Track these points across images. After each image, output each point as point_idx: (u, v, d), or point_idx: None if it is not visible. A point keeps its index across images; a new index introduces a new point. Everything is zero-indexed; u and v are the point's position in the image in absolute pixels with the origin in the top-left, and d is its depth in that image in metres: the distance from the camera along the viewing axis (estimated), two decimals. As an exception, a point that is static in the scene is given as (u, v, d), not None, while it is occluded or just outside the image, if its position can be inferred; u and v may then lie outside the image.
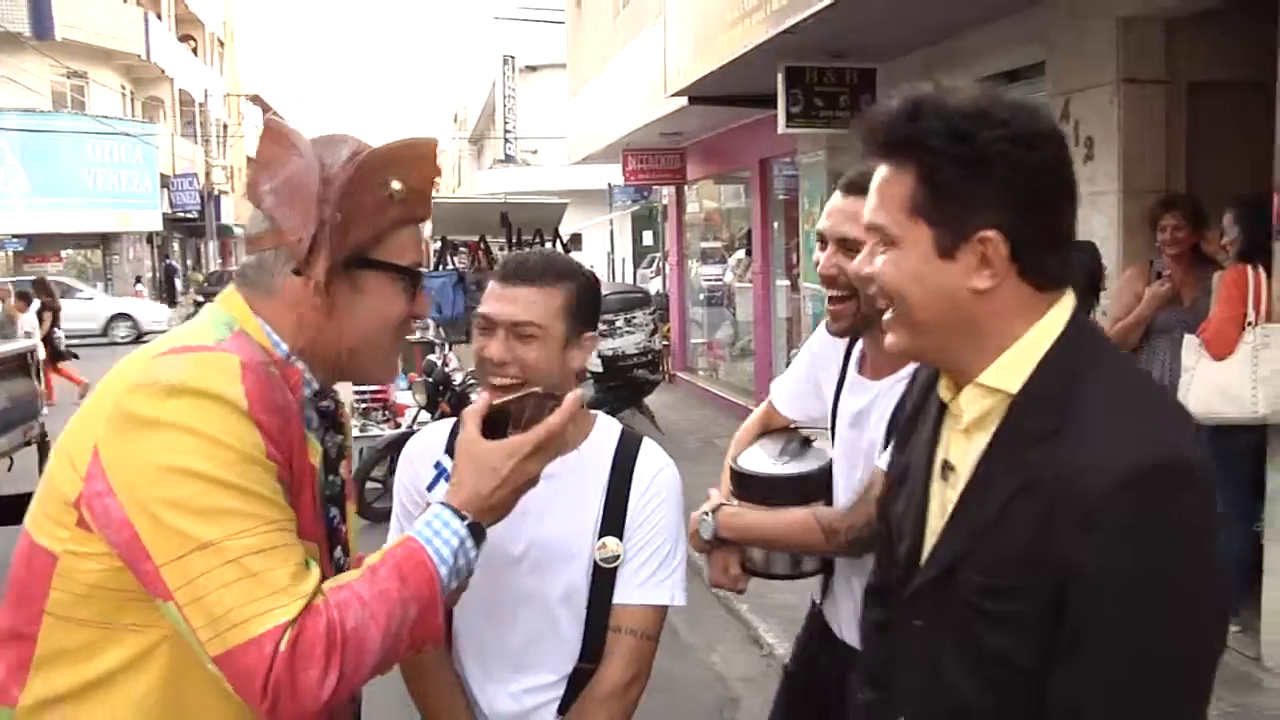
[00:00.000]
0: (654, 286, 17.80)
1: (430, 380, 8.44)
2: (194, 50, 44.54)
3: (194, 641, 1.39)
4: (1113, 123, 5.89)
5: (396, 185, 1.59)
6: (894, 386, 2.32)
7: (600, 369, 8.88)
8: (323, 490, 1.66)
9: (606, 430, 2.18)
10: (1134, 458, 1.30)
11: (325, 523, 1.66)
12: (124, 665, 1.46)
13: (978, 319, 1.43)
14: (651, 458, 2.18)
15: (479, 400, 1.72)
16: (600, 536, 2.09)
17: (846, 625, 2.45)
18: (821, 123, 8.33)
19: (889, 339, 1.52)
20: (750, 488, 2.49)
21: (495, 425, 1.68)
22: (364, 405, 9.14)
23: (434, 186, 1.69)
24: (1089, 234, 5.75)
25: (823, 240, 2.35)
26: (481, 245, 13.52)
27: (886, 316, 1.50)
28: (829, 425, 2.55)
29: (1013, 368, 1.43)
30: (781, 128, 8.40)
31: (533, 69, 34.66)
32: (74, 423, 1.51)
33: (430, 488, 2.11)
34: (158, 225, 36.67)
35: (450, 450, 2.10)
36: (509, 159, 34.81)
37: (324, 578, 1.48)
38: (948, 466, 1.53)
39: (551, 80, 30.62)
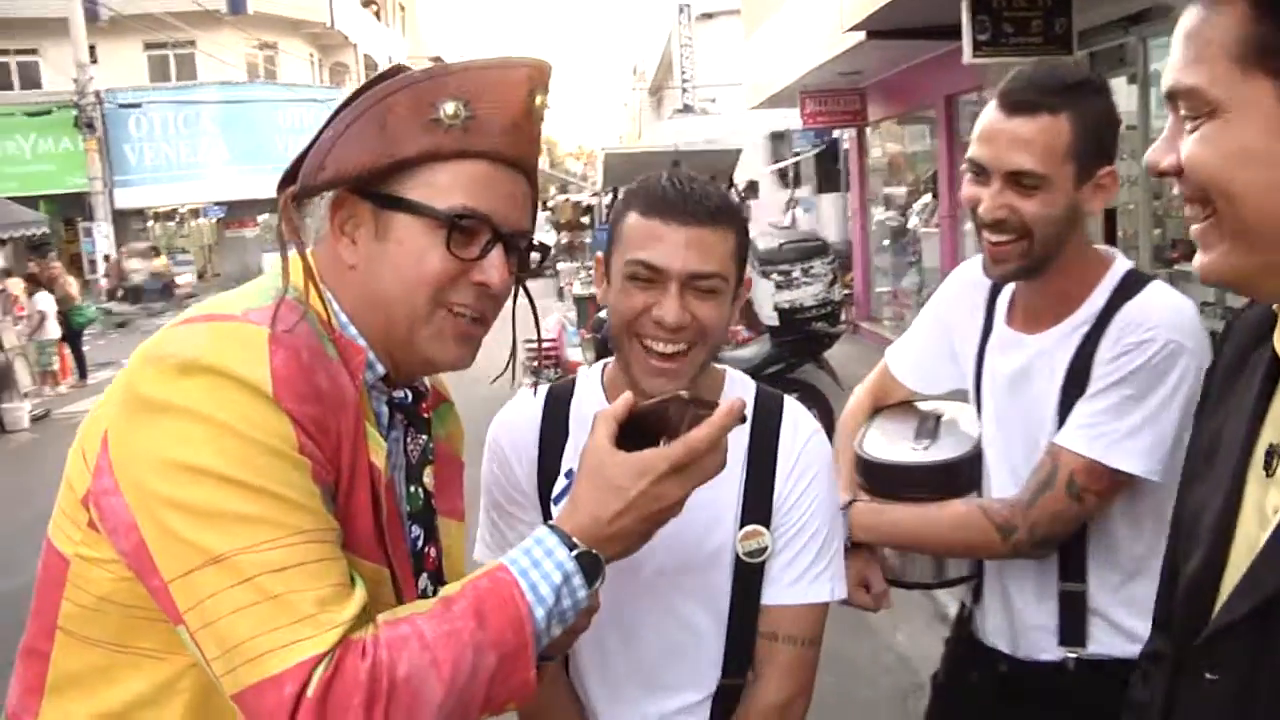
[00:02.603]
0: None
1: (600, 337, 8.22)
2: (376, 15, 45.55)
3: (212, 675, 1.13)
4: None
5: (450, 108, 1.25)
6: (1063, 340, 1.92)
7: (777, 322, 8.50)
8: (400, 504, 1.36)
9: (740, 390, 1.77)
10: None
11: (405, 544, 1.35)
12: (141, 700, 1.22)
13: None
14: (798, 421, 1.79)
15: (620, 400, 1.35)
16: (743, 525, 1.72)
17: (994, 632, 2.07)
18: (1012, 50, 7.61)
19: (1200, 259, 1.07)
20: (882, 479, 2.07)
21: (637, 433, 1.31)
22: (534, 362, 9.00)
23: (525, 116, 1.31)
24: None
25: (977, 169, 1.92)
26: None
27: (1198, 226, 1.05)
28: (972, 393, 2.11)
29: None
30: (967, 58, 7.78)
31: (709, 16, 34.33)
32: (96, 405, 1.26)
33: (558, 500, 1.72)
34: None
35: (546, 432, 1.77)
36: (687, 108, 34.53)
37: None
38: (1275, 454, 1.07)
39: (727, 26, 30.21)
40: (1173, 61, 1.04)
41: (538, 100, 1.32)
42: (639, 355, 1.62)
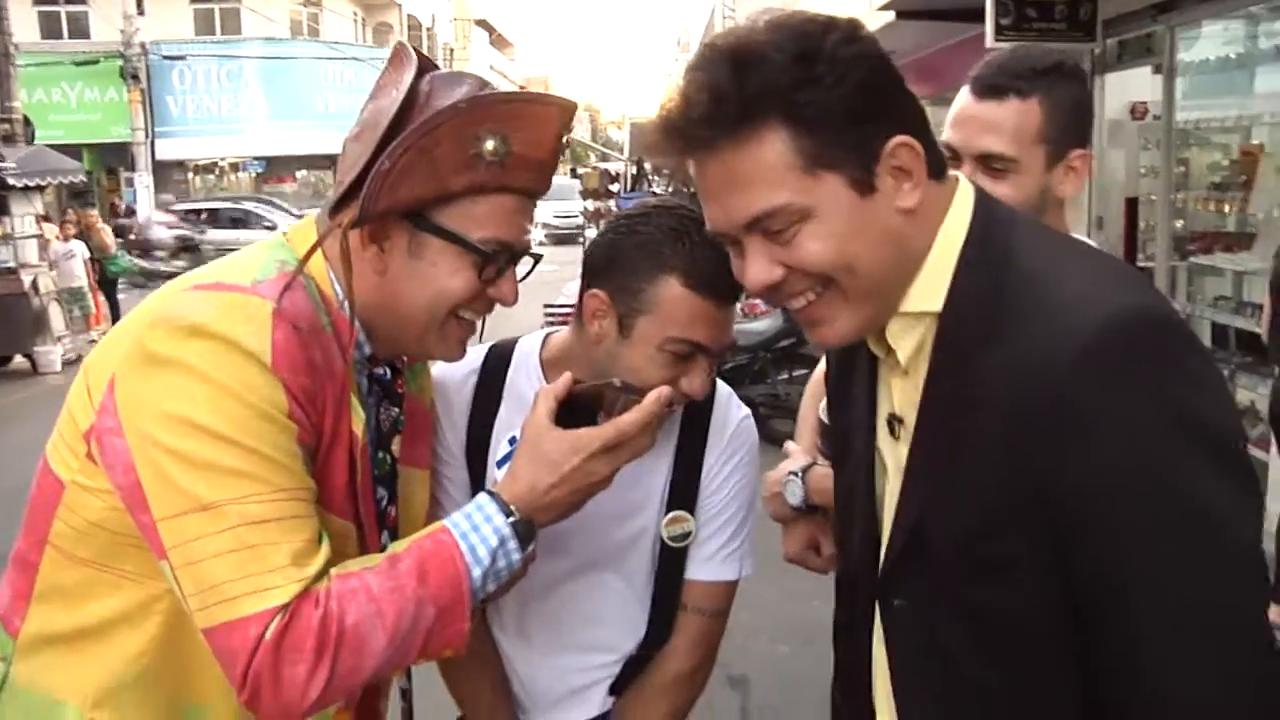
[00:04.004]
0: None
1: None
2: (422, -24, 45.57)
3: (186, 608, 1.28)
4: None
5: (490, 145, 1.38)
6: None
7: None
8: (372, 468, 1.51)
9: None
10: (1097, 313, 1.08)
11: (374, 504, 1.51)
12: (120, 616, 1.38)
13: (909, 243, 1.22)
14: (729, 407, 1.86)
15: (560, 380, 1.49)
16: (669, 510, 1.80)
17: None
18: (1035, 35, 7.59)
19: (824, 330, 1.25)
20: None
21: (575, 412, 1.47)
22: (555, 323, 9.17)
23: (552, 155, 1.45)
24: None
25: (950, 153, 1.92)
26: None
27: (811, 307, 1.23)
28: None
29: (932, 282, 1.23)
30: (990, 41, 7.72)
31: (752, -12, 34.07)
32: (100, 347, 1.42)
33: (501, 464, 1.80)
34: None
35: (479, 399, 1.83)
36: (727, 81, 34.37)
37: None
38: (895, 420, 1.31)
39: (772, 0, 30.05)
40: (741, 199, 1.18)
41: (564, 139, 1.46)
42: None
